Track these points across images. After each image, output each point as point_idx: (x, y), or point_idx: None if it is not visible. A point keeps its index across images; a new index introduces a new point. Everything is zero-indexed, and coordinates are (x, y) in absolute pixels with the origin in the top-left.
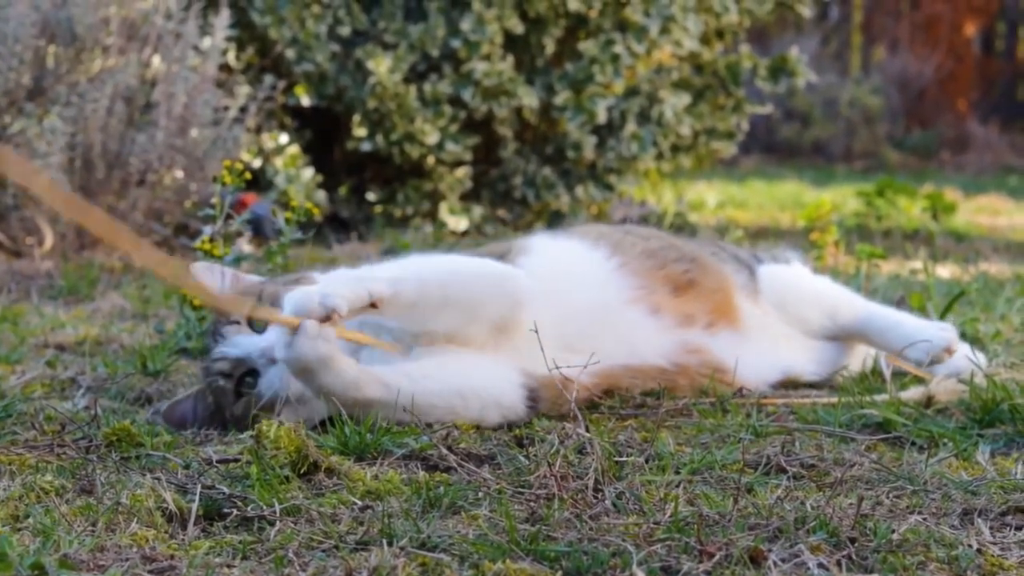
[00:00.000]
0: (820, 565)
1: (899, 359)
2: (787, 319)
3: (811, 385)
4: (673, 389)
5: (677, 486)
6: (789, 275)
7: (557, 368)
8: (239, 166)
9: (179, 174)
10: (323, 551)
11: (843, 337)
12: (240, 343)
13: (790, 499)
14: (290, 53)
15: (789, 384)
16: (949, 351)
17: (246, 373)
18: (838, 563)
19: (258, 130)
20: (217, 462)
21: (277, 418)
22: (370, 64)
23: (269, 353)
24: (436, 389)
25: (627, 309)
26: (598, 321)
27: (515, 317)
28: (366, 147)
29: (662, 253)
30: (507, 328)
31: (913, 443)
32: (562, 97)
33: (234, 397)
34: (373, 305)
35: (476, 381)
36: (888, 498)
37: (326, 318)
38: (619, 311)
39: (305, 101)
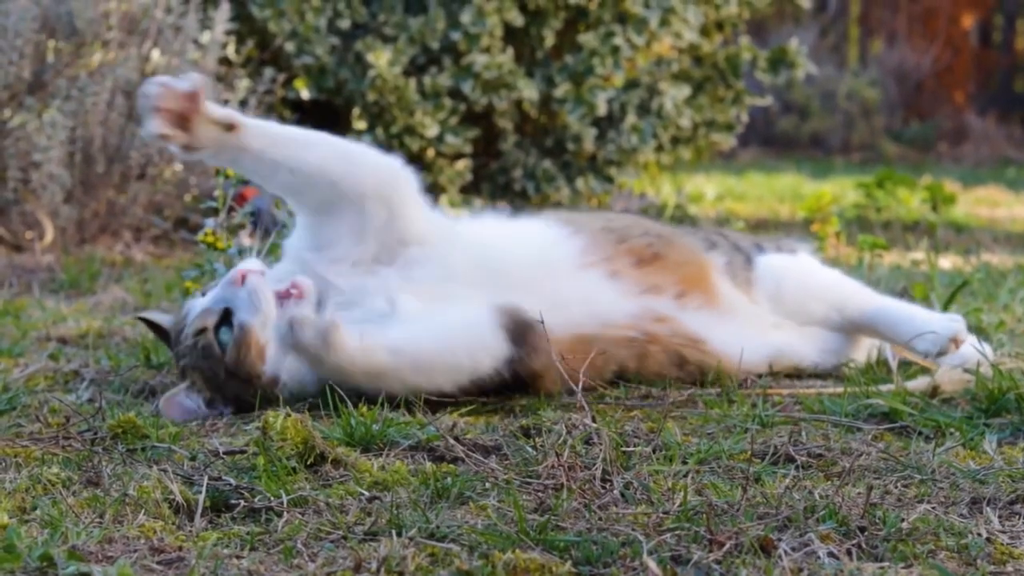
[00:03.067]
0: (830, 554)
1: (905, 349)
2: (786, 311)
3: (816, 375)
4: (645, 357)
5: (685, 476)
6: (791, 266)
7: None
8: None
9: (179, 168)
10: (331, 542)
11: (850, 330)
12: (198, 303)
13: (799, 488)
14: (290, 46)
15: (793, 374)
16: (956, 341)
17: (220, 321)
18: (848, 552)
19: None
20: (223, 453)
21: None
22: (370, 57)
23: (232, 275)
24: (431, 348)
25: (581, 271)
26: (546, 275)
27: (390, 192)
28: (366, 140)
29: (625, 230)
30: (385, 203)
31: (920, 433)
32: (562, 89)
33: (220, 350)
34: (231, 128)
35: (459, 333)
36: (896, 487)
37: (191, 95)
38: (571, 271)
39: (305, 94)
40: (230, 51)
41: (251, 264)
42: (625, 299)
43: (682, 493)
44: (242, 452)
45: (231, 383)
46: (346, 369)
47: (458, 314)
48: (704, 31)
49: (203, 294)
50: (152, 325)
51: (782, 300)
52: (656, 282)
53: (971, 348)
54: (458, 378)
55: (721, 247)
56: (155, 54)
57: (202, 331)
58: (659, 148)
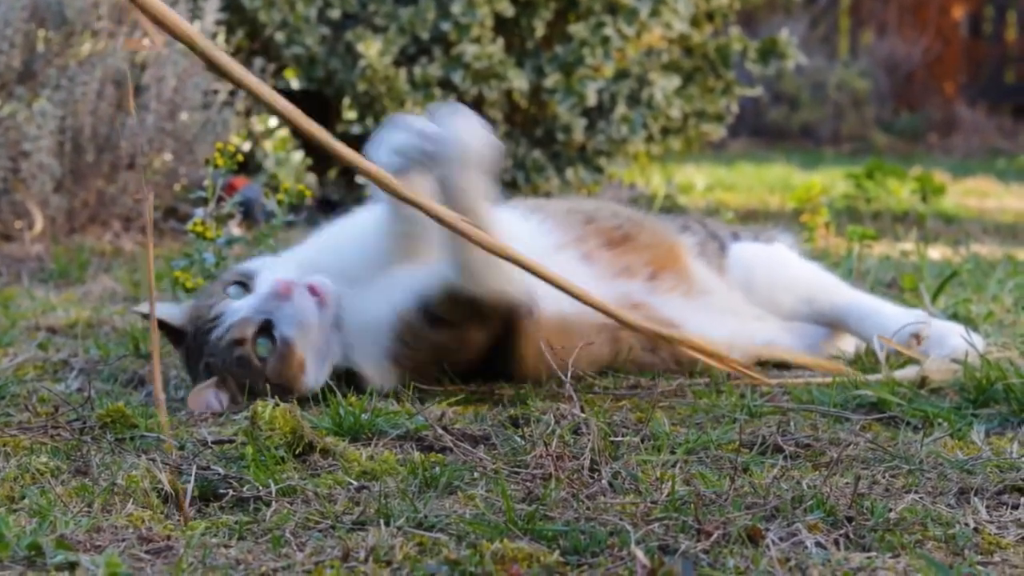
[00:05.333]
0: (818, 544)
1: (892, 341)
2: (755, 300)
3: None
4: (618, 341)
5: (673, 466)
6: (764, 255)
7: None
8: (231, 148)
9: (168, 157)
10: (320, 531)
11: (821, 323)
12: (234, 309)
13: (786, 478)
14: (280, 36)
15: (781, 364)
16: (918, 337)
17: (258, 332)
18: (835, 542)
19: (248, 113)
20: (212, 443)
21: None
22: (360, 47)
23: (277, 287)
24: None
25: (556, 254)
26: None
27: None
28: (356, 130)
29: (593, 212)
30: None
31: (908, 423)
32: (552, 80)
33: (260, 363)
34: None
35: None
36: (884, 477)
37: None
38: (548, 255)
39: (295, 84)
40: (220, 41)
41: (287, 273)
42: (600, 283)
43: (670, 483)
44: (231, 441)
45: (268, 389)
46: None
47: None
48: (694, 22)
49: (225, 289)
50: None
51: (752, 289)
52: (627, 263)
53: (960, 338)
54: None
55: (694, 231)
56: (145, 43)
57: (240, 342)
58: (649, 138)
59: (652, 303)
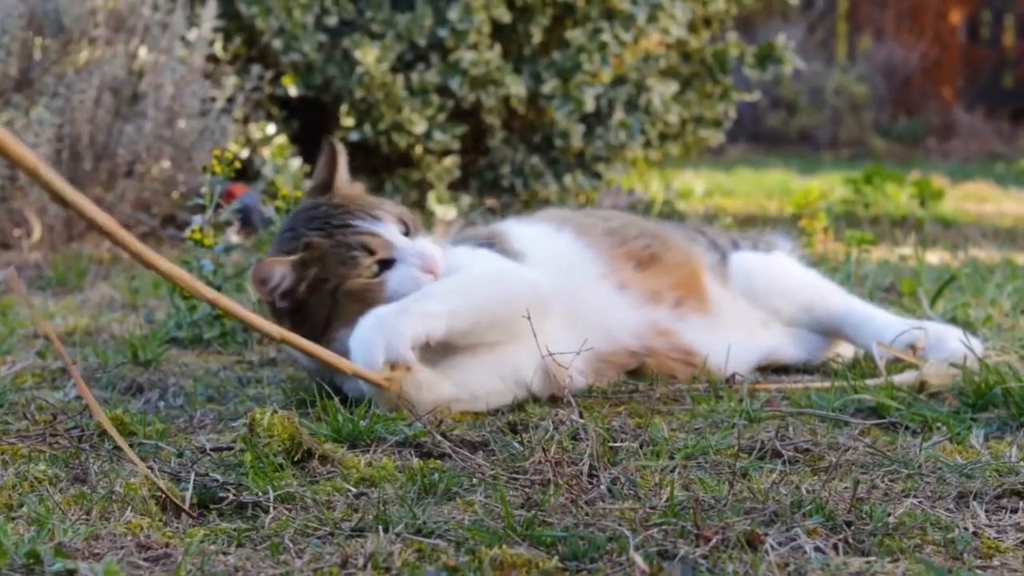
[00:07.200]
0: (817, 548)
1: (890, 346)
2: (757, 307)
3: (803, 370)
4: (641, 370)
5: (672, 471)
6: (764, 264)
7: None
8: (229, 155)
9: (167, 165)
10: (318, 538)
11: (819, 330)
12: (392, 232)
13: (785, 483)
14: (277, 43)
15: (780, 369)
16: (914, 347)
17: (384, 262)
18: (835, 546)
19: (245, 120)
20: (210, 450)
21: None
22: (357, 54)
23: (426, 260)
24: (488, 378)
25: (598, 285)
26: (582, 300)
27: (543, 321)
28: (354, 137)
29: (622, 231)
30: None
31: (907, 427)
32: (550, 86)
33: (356, 273)
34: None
35: (508, 369)
36: (883, 482)
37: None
38: (592, 288)
39: (292, 91)
40: (217, 48)
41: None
42: (631, 312)
43: (669, 488)
44: (229, 449)
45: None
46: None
47: (511, 359)
48: (692, 27)
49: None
50: None
51: (753, 298)
52: (656, 287)
53: (958, 342)
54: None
55: (698, 242)
56: (142, 51)
57: (367, 249)
58: (647, 144)
59: (677, 329)
